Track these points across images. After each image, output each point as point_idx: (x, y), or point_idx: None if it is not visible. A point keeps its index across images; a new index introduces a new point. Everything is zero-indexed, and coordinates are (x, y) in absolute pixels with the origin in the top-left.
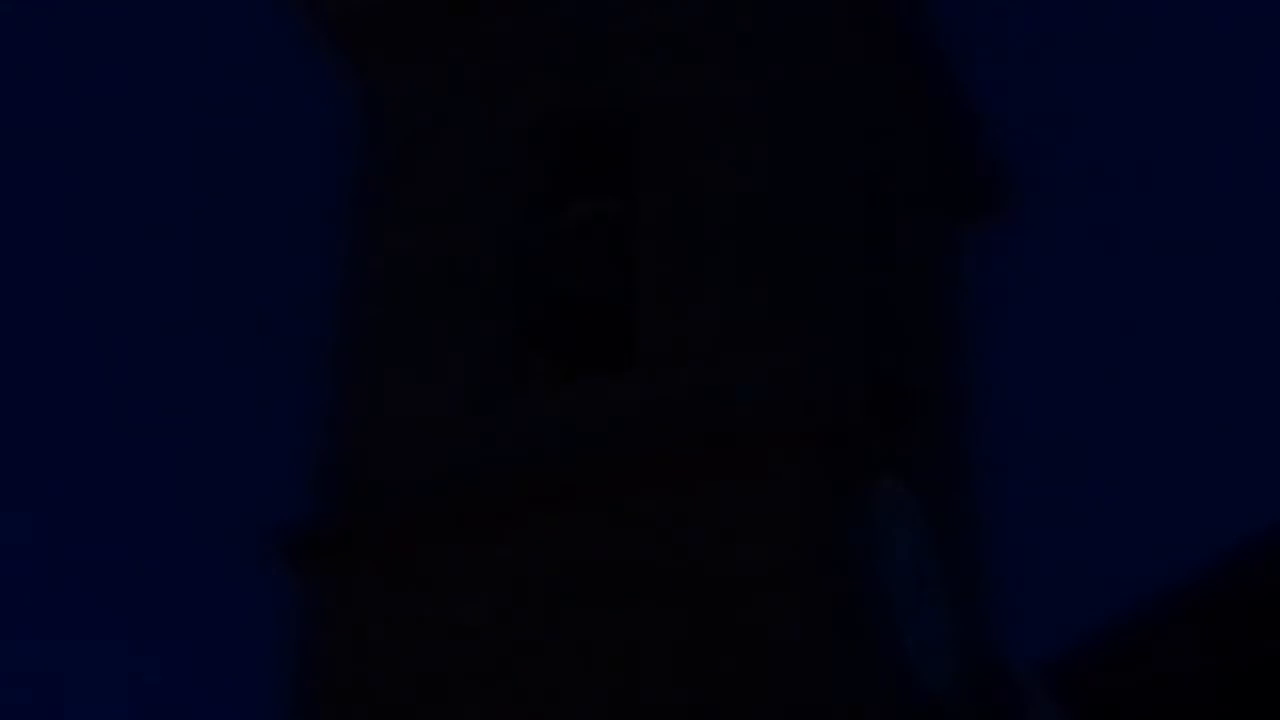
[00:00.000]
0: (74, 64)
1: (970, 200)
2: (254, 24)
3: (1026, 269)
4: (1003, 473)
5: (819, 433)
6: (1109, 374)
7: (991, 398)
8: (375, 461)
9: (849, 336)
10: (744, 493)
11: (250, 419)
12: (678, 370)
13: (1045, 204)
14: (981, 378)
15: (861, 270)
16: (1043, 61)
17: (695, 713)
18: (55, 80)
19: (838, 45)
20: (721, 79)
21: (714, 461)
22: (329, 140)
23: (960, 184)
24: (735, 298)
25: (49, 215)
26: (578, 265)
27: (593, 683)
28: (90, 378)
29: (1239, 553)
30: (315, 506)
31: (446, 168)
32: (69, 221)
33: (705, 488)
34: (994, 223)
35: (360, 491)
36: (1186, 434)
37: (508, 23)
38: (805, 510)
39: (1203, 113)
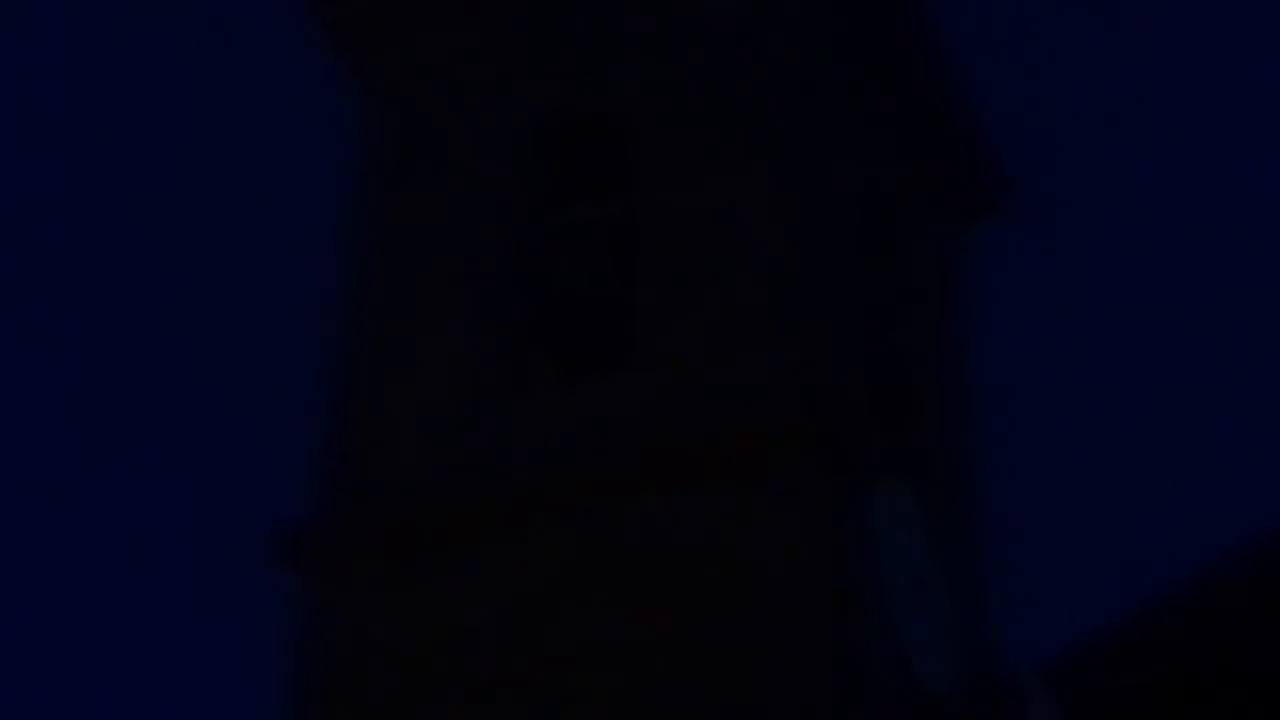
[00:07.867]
0: (74, 64)
1: (970, 200)
2: (255, 24)
3: (1026, 269)
4: (1003, 472)
5: (819, 433)
6: (1108, 373)
7: (991, 397)
8: (375, 461)
9: (848, 337)
10: (743, 492)
11: (250, 418)
12: (677, 370)
13: (1045, 204)
14: (981, 377)
15: (861, 270)
16: (1043, 61)
17: (695, 712)
18: (55, 80)
19: (838, 45)
20: (721, 79)
21: (713, 461)
22: (329, 140)
23: (960, 184)
24: (735, 298)
25: (49, 215)
26: (578, 265)
27: (593, 683)
28: (90, 378)
29: (1239, 553)
30: (315, 506)
31: (447, 168)
32: (69, 221)
33: (705, 487)
34: (994, 223)
35: (360, 491)
36: (1187, 433)
37: (507, 23)
38: (805, 510)
39: (1203, 112)
